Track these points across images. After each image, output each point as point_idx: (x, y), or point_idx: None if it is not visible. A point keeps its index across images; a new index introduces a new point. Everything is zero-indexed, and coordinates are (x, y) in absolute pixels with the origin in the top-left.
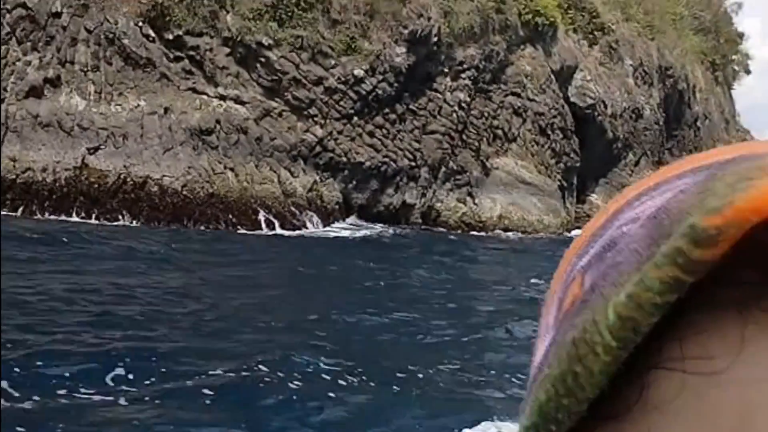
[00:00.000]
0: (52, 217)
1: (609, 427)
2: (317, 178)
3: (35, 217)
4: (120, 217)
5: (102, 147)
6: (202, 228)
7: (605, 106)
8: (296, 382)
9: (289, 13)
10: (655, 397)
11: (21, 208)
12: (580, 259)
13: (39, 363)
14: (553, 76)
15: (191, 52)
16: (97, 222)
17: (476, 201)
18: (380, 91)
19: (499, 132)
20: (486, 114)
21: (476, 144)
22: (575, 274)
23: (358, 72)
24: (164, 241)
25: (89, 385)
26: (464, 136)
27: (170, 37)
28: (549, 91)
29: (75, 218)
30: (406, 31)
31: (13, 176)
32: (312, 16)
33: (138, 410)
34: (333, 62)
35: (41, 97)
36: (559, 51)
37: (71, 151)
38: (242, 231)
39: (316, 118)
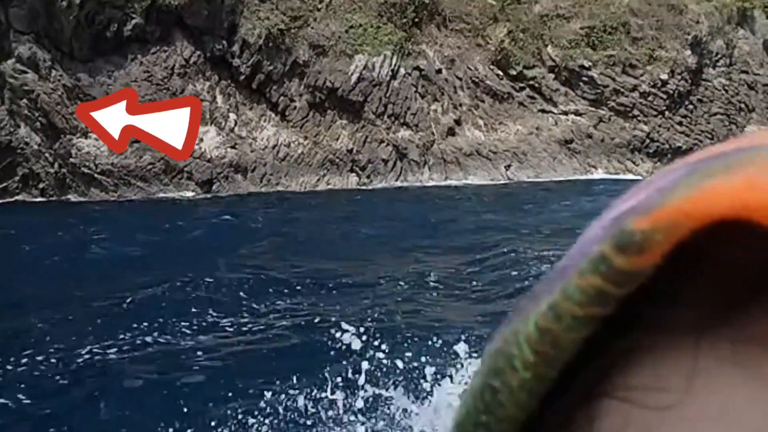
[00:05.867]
0: None
1: None
2: (651, 163)
3: None
4: None
5: (512, 163)
6: None
7: None
8: None
9: (600, 39)
10: None
11: None
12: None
13: None
14: None
15: (531, 82)
16: None
17: None
18: (681, 89)
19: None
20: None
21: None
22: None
23: (664, 76)
24: None
25: None
26: (742, 114)
27: (514, 73)
28: None
29: None
30: (689, 37)
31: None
32: (617, 38)
33: None
34: (641, 72)
35: (455, 134)
36: None
37: (495, 170)
38: None
39: (638, 118)
